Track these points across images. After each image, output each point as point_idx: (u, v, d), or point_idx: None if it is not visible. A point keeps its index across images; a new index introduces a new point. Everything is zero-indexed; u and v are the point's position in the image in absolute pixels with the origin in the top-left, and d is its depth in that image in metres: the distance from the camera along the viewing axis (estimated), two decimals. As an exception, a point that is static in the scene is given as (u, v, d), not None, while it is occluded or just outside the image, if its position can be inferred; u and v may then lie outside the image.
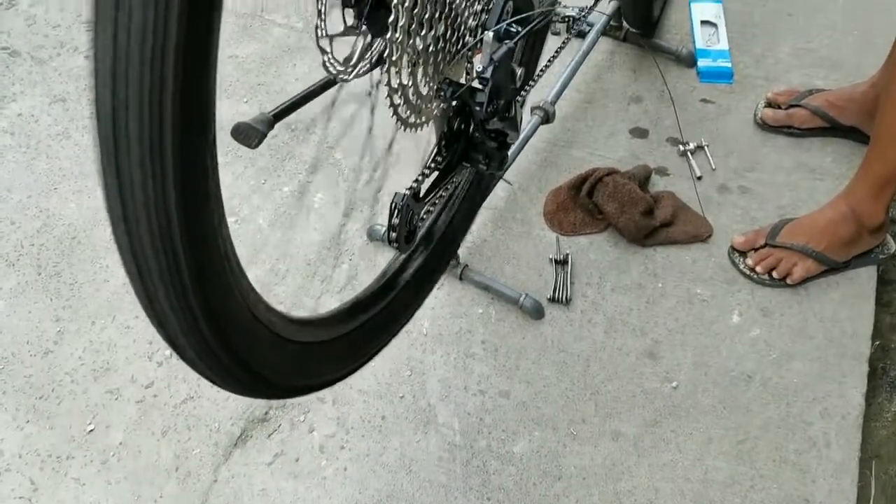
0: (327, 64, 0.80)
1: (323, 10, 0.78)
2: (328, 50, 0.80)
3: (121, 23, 0.46)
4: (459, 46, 0.74)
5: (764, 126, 1.60)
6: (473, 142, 0.79)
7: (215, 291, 0.60)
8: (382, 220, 1.50)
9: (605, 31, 1.74)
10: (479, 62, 0.76)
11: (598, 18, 1.61)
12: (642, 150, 1.61)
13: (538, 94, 1.41)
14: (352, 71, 0.79)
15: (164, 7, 0.45)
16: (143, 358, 1.34)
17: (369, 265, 1.46)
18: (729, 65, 1.72)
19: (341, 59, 0.80)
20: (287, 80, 1.75)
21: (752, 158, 1.58)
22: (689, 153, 1.58)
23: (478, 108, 0.73)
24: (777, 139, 1.60)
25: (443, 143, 0.78)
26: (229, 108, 1.68)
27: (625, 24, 1.74)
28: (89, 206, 1.55)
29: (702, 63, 1.72)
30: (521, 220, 1.52)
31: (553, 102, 1.45)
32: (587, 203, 1.50)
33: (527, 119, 1.41)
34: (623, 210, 1.45)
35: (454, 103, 0.73)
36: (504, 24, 0.71)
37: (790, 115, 1.56)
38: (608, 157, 1.60)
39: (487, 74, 0.71)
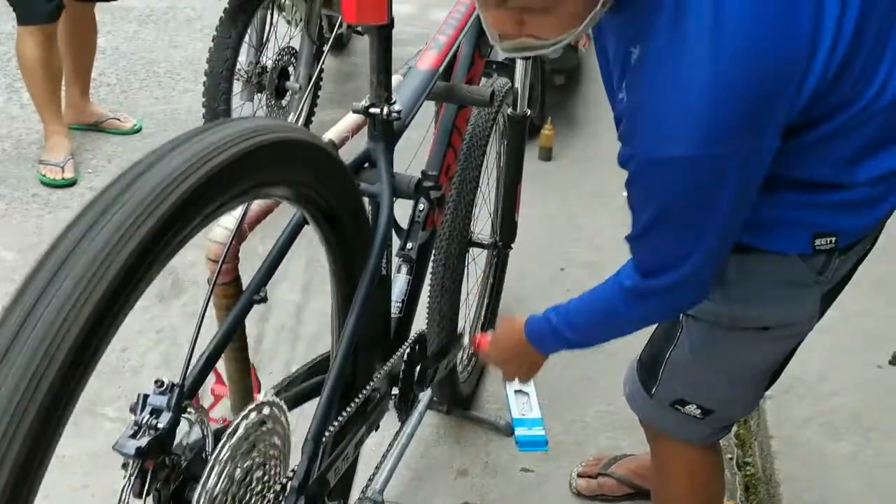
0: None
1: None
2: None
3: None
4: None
5: (580, 495, 1.72)
6: None
7: None
8: None
9: (430, 405, 1.88)
10: None
11: (424, 396, 1.75)
12: (472, 529, 1.67)
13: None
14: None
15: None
16: None
17: None
18: (543, 432, 1.88)
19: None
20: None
21: (572, 532, 1.67)
22: (516, 529, 1.66)
23: None
24: (595, 507, 1.72)
25: None
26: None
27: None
28: None
29: (519, 432, 1.88)
30: None
31: (381, 491, 1.51)
32: None
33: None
34: None
35: None
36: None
37: (601, 484, 1.70)
38: (434, 540, 1.64)
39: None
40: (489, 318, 2.08)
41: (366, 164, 1.12)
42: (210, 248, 0.96)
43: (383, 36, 1.05)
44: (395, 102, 1.10)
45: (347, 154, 1.15)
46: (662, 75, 0.87)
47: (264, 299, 0.97)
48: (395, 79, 1.26)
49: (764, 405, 1.83)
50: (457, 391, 1.82)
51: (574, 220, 2.73)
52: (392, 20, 1.04)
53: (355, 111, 1.11)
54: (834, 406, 1.82)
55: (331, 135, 1.15)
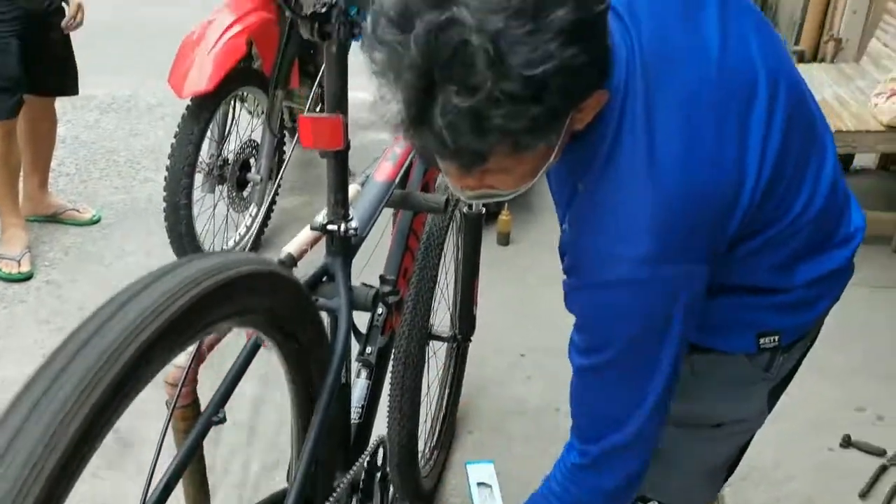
0: None
1: None
2: None
3: None
4: None
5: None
6: None
7: None
8: None
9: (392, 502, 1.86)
10: None
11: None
12: None
13: None
14: None
15: None
16: None
17: None
18: (506, 526, 1.88)
19: None
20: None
21: None
22: None
23: None
24: None
25: None
26: None
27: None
28: None
29: (482, 526, 1.87)
30: None
31: None
32: None
33: None
34: None
35: None
36: None
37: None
38: None
39: None
40: (450, 408, 2.09)
41: (324, 279, 1.15)
42: (169, 372, 0.97)
43: (339, 159, 1.09)
44: (352, 219, 1.14)
45: (306, 265, 1.19)
46: (603, 205, 0.93)
47: (223, 420, 0.97)
48: (353, 188, 1.31)
49: (723, 492, 1.85)
50: (419, 486, 1.81)
51: (533, 305, 2.77)
52: (348, 144, 1.08)
53: (313, 228, 1.14)
54: (788, 492, 1.86)
55: (290, 248, 1.18)
